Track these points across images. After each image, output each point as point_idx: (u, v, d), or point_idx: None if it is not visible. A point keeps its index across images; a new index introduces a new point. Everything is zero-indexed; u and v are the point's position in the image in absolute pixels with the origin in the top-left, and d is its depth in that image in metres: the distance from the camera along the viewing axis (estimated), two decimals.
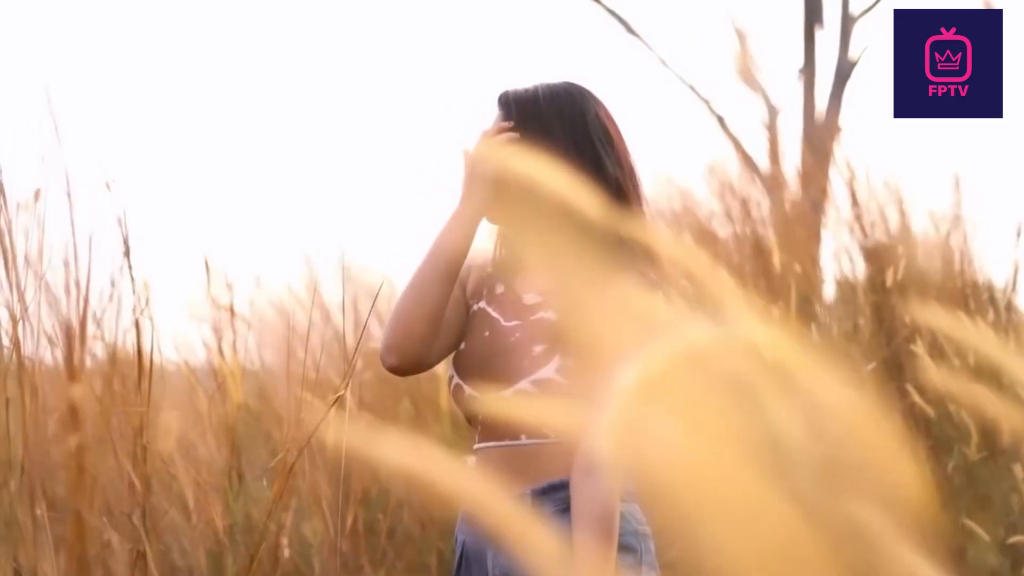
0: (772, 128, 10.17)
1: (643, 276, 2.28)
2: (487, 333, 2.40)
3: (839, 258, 5.83)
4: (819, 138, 7.63)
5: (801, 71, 10.07)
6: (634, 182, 2.39)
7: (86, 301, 2.39)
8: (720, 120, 10.19)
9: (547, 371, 2.28)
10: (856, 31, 10.07)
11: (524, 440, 2.32)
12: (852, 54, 10.02)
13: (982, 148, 5.54)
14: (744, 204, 5.52)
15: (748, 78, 9.90)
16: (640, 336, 2.41)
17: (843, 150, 7.01)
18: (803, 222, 5.81)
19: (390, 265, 6.31)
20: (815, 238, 6.04)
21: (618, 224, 2.30)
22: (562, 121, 2.35)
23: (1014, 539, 3.42)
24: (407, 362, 2.40)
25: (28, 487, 2.34)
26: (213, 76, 13.95)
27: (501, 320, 2.40)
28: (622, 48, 10.93)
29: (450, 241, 2.36)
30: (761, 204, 5.99)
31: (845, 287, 4.93)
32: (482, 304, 2.45)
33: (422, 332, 2.36)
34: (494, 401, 2.25)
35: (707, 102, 10.32)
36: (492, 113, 2.42)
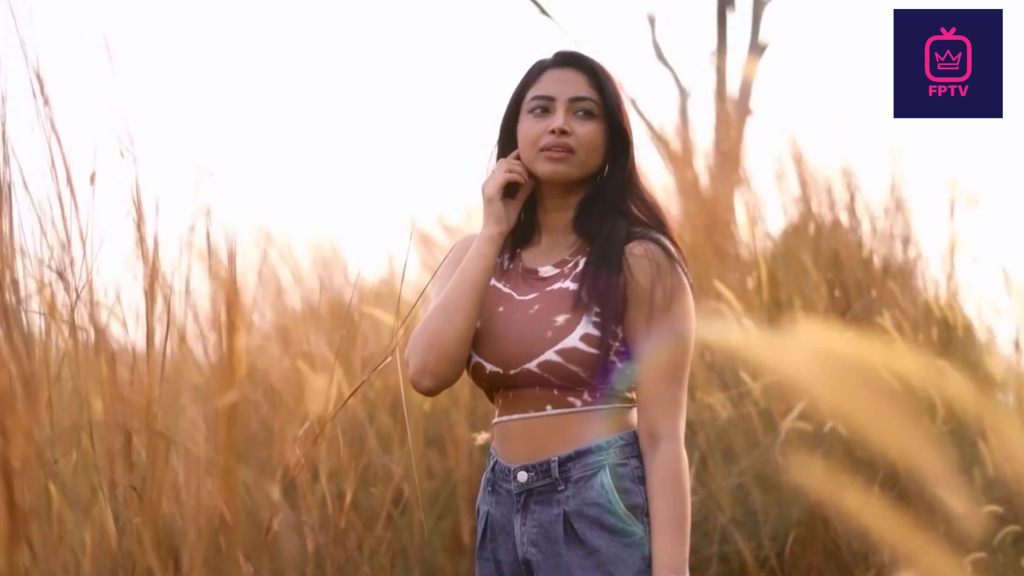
0: (683, 109, 10.39)
1: (661, 244, 2.37)
2: (501, 308, 2.42)
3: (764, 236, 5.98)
4: (731, 120, 7.82)
5: (713, 54, 10.28)
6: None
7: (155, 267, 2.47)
8: (631, 100, 10.36)
9: (571, 340, 2.30)
10: (766, 15, 10.32)
11: (550, 411, 2.34)
12: (763, 37, 10.26)
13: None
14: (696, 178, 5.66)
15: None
16: (667, 302, 2.48)
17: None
18: (719, 202, 5.96)
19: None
20: (729, 218, 6.19)
21: (633, 196, 2.41)
22: (625, 98, 2.49)
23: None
24: (442, 384, 2.40)
25: (106, 451, 2.42)
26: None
27: (515, 295, 2.42)
28: (535, 29, 11.01)
29: (474, 260, 2.39)
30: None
31: (793, 260, 5.07)
32: (491, 282, 2.46)
33: (457, 353, 2.36)
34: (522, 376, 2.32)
35: (619, 84, 10.47)
36: (550, 70, 2.50)
